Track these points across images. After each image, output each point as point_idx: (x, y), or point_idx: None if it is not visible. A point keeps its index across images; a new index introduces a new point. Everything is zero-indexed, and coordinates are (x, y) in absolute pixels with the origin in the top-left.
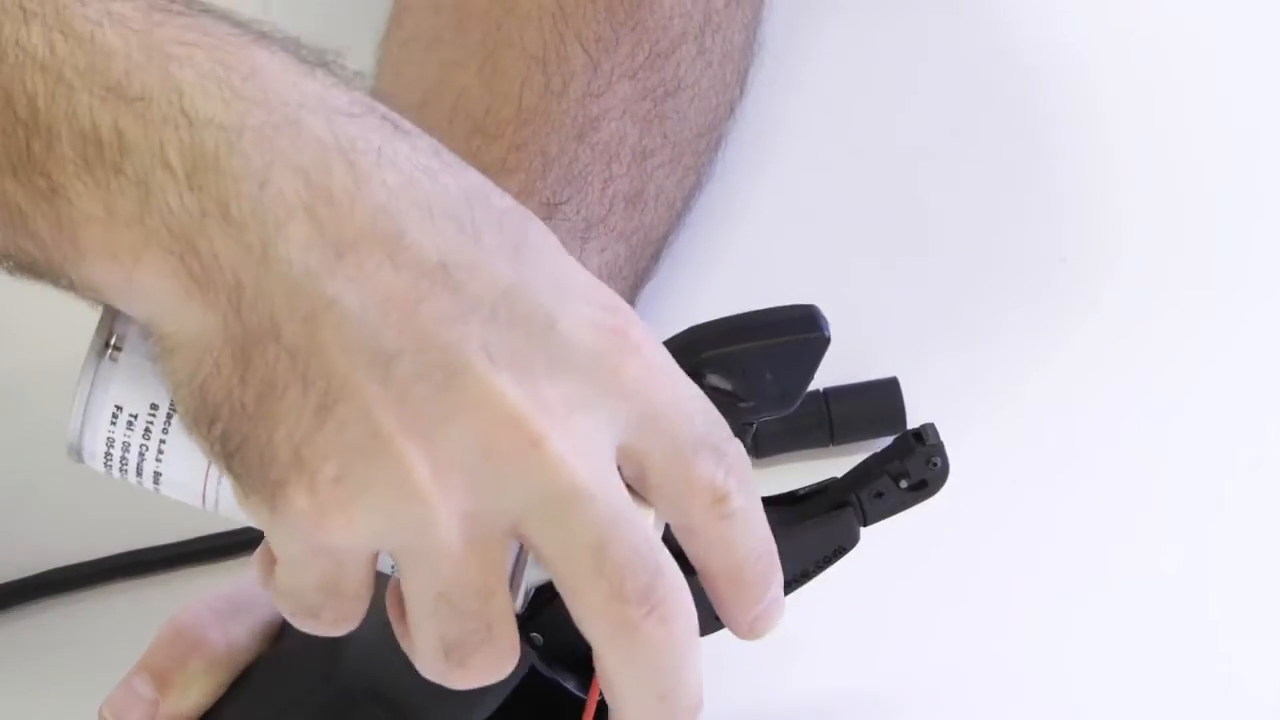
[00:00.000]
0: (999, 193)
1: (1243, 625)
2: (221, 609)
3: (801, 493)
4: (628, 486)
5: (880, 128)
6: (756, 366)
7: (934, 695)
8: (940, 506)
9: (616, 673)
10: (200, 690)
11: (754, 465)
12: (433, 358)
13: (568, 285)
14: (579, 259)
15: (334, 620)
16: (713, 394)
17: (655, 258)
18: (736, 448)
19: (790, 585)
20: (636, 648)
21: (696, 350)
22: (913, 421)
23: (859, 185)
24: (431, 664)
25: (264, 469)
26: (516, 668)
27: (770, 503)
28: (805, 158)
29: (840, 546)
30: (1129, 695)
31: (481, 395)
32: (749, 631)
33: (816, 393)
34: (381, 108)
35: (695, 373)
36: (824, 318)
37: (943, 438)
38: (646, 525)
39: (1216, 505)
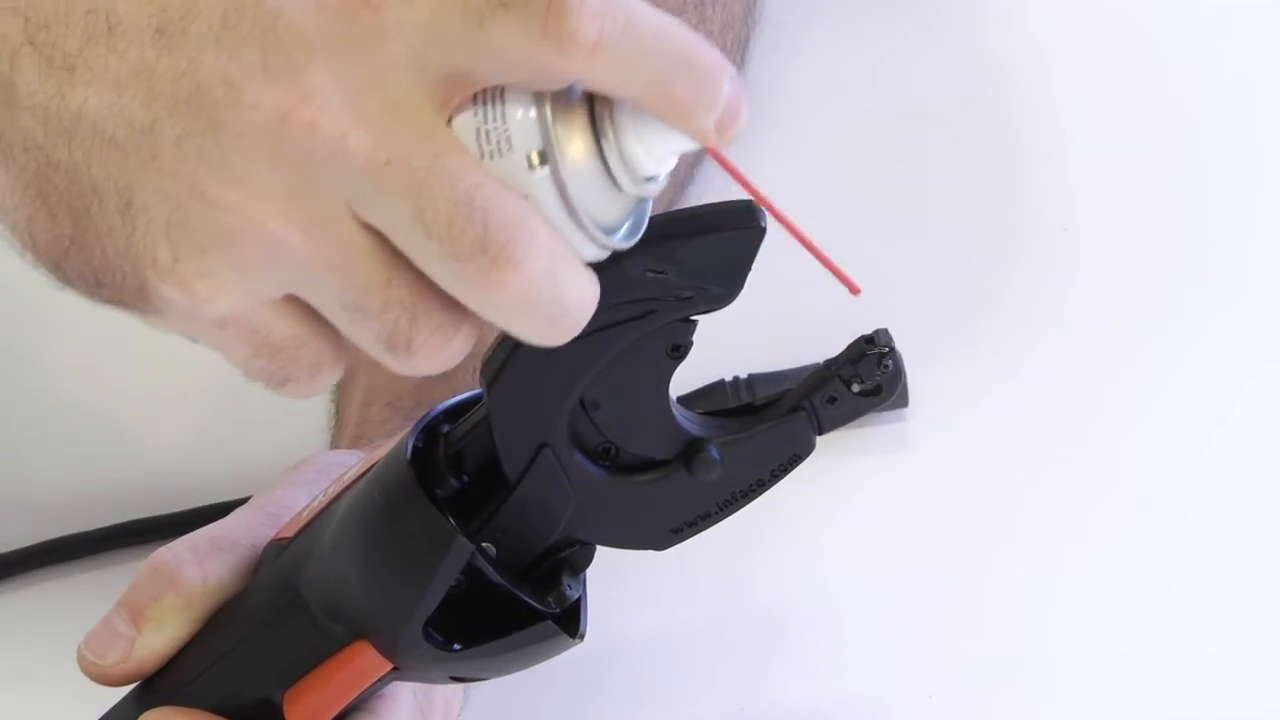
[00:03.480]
0: (1002, 163)
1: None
2: (201, 547)
3: (758, 403)
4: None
5: (882, 97)
6: (694, 258)
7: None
8: (942, 469)
9: (499, 323)
10: (175, 627)
11: None
12: (187, 109)
13: None
14: None
15: (306, 377)
16: (651, 285)
17: None
18: None
19: (747, 495)
20: (498, 298)
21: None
22: (914, 393)
23: (861, 155)
24: (390, 366)
25: (124, 284)
26: (451, 564)
27: (727, 413)
28: (806, 127)
29: (796, 454)
30: (1119, 675)
31: (244, 116)
32: (717, 138)
33: (819, 365)
34: None
35: (632, 264)
36: (762, 211)
37: (946, 408)
38: (460, 168)
39: (1237, 470)
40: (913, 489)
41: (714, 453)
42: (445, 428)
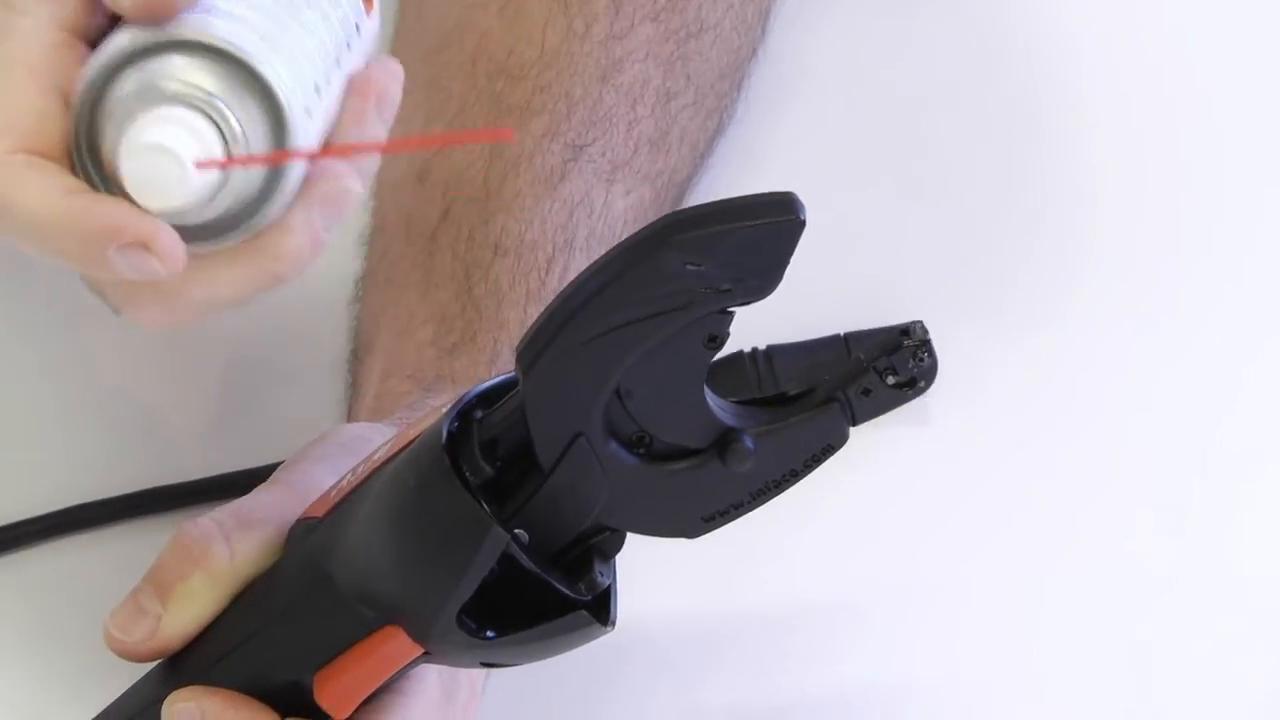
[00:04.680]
0: (1024, 137)
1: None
2: (228, 524)
3: (792, 393)
4: None
5: (902, 71)
6: (732, 250)
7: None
8: (965, 443)
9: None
10: (203, 604)
11: None
12: None
13: None
14: (605, 202)
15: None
16: (690, 277)
17: (678, 200)
18: None
19: (780, 485)
20: None
21: (671, 233)
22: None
23: (881, 128)
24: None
25: None
26: (487, 554)
27: (760, 403)
28: (825, 101)
29: (829, 445)
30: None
31: None
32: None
33: (838, 337)
34: None
35: (671, 256)
36: (800, 203)
37: (969, 381)
38: None
39: (1258, 445)
40: (934, 463)
41: (748, 443)
42: (479, 413)
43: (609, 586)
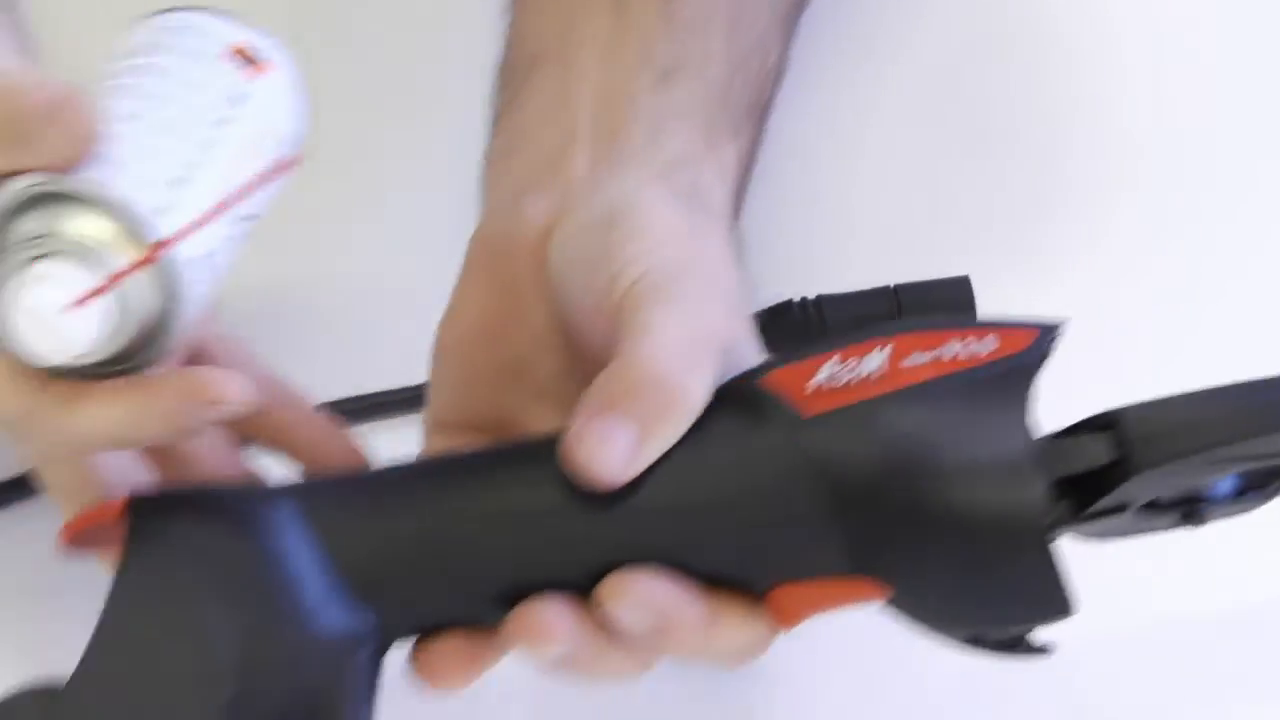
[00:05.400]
0: (1071, 97)
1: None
2: (692, 350)
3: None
4: None
5: (946, 24)
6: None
7: None
8: None
9: None
10: (670, 440)
11: None
12: None
13: None
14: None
15: None
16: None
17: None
18: None
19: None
20: None
21: None
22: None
23: (926, 82)
24: None
25: None
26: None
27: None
28: (858, 61)
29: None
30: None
31: None
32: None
33: (888, 289)
34: None
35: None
36: None
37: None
38: None
39: None
40: None
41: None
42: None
43: None
